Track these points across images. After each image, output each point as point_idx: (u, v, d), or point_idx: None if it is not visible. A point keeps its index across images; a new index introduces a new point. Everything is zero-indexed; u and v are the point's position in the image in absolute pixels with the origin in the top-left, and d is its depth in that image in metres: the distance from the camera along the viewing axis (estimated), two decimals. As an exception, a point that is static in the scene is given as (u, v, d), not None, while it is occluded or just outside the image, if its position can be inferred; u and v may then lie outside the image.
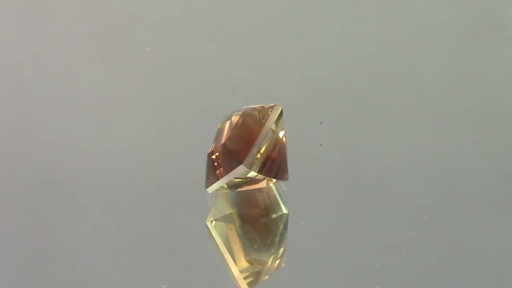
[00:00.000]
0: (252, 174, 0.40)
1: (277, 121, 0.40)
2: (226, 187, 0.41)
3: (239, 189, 0.41)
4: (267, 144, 0.40)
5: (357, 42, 0.53)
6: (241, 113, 0.40)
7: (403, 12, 0.55)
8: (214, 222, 0.40)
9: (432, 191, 0.42)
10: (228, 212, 0.41)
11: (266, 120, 0.40)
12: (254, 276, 0.38)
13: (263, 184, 0.41)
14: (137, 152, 0.45)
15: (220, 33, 0.54)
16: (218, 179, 0.40)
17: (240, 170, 0.39)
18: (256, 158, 0.39)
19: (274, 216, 0.41)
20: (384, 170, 0.44)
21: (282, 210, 0.41)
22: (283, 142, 0.40)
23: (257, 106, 0.40)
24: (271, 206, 0.41)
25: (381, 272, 0.38)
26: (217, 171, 0.40)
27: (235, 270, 0.38)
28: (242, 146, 0.39)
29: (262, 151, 0.39)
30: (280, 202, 0.41)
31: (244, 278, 0.38)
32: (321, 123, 0.44)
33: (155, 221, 0.41)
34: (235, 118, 0.40)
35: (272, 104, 0.40)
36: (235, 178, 0.40)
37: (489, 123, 0.47)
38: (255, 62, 0.52)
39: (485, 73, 0.51)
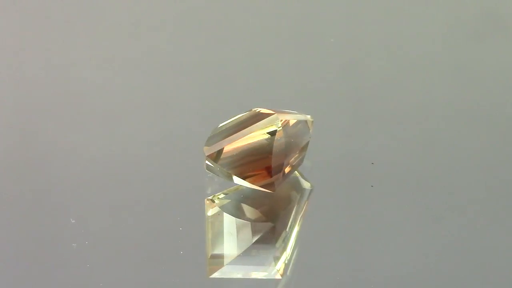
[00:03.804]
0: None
1: (270, 128, 0.39)
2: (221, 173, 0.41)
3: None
4: (253, 148, 0.39)
5: (359, 42, 0.52)
6: (257, 110, 0.40)
7: (406, 11, 0.54)
8: (212, 203, 0.41)
9: (436, 192, 0.42)
10: (230, 200, 0.41)
11: (252, 125, 0.40)
12: (219, 264, 0.39)
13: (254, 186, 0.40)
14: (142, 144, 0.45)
15: (222, 33, 0.53)
16: None
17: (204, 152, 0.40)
18: (227, 155, 0.39)
19: (267, 222, 0.40)
20: (386, 171, 0.43)
21: (281, 222, 0.41)
22: (280, 153, 0.39)
23: (271, 110, 0.40)
24: (273, 213, 0.41)
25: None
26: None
27: (207, 251, 0.39)
28: (222, 136, 0.40)
29: (236, 150, 0.39)
30: (288, 212, 0.41)
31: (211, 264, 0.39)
32: (372, 163, 0.44)
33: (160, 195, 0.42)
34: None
35: (273, 112, 0.40)
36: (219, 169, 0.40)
37: (492, 123, 0.46)
38: (257, 63, 0.51)
39: (489, 72, 0.50)
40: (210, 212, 0.40)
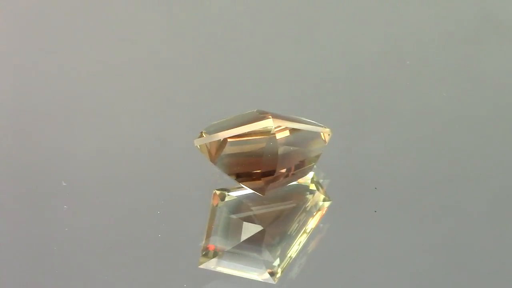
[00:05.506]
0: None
1: (266, 132, 0.38)
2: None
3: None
4: (247, 149, 0.39)
5: (359, 44, 0.51)
6: (263, 112, 0.39)
7: (406, 13, 0.54)
8: (217, 197, 0.41)
9: (439, 194, 0.42)
10: (235, 197, 0.41)
11: (247, 125, 0.39)
12: (209, 256, 0.39)
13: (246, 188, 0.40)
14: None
15: (223, 34, 0.53)
16: None
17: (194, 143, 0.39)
18: (218, 152, 0.39)
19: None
20: (387, 172, 0.43)
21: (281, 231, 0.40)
22: (272, 158, 0.38)
23: (271, 113, 0.39)
24: (272, 217, 0.40)
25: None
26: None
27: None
28: (215, 132, 0.39)
29: (231, 150, 0.39)
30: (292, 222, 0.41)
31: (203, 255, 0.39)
32: (375, 188, 0.43)
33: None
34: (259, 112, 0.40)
35: (265, 120, 0.39)
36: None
37: (492, 125, 0.46)
38: (257, 64, 0.51)
39: (488, 75, 0.49)
40: (213, 204, 0.40)
